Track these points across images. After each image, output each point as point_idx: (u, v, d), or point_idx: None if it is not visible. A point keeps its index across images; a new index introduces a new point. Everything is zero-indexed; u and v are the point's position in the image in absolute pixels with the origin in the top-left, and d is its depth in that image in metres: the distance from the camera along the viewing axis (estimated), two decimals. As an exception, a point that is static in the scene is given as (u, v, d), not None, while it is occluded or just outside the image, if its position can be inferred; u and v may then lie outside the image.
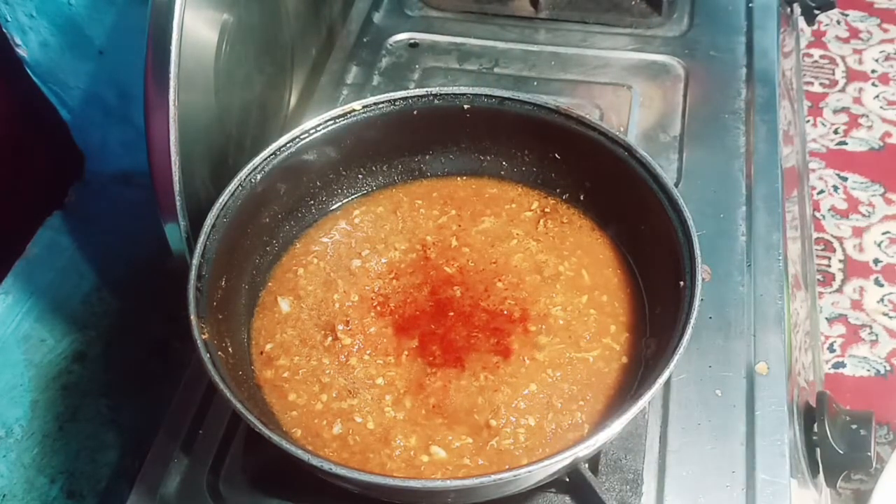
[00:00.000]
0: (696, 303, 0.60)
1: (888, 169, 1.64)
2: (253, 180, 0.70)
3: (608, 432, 0.56)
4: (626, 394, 0.65)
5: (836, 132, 1.70)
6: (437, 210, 0.78)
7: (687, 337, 0.58)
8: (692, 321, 0.59)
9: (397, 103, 0.75)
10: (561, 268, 0.73)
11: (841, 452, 0.70)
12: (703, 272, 0.62)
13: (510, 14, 1.06)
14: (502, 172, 0.79)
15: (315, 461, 0.55)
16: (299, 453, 0.55)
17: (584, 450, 0.56)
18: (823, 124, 1.71)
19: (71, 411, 0.97)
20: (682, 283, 0.62)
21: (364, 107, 0.75)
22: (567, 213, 0.77)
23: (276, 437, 0.55)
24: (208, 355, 0.59)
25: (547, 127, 0.74)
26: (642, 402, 0.56)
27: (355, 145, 0.76)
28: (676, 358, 0.57)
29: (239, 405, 0.57)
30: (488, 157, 0.79)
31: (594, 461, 0.66)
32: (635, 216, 0.70)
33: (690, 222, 0.64)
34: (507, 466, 0.61)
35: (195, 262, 0.64)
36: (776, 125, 0.92)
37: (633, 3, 1.06)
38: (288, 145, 0.73)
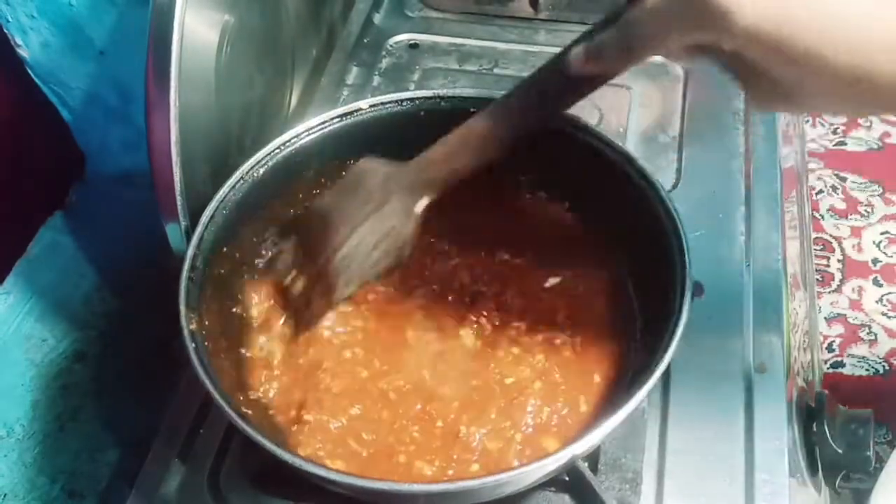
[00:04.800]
0: (684, 317, 0.60)
1: (887, 169, 1.64)
2: (255, 174, 0.71)
3: (601, 430, 0.56)
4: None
5: (835, 132, 1.70)
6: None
7: (670, 353, 0.58)
8: (677, 336, 0.59)
9: (404, 104, 0.75)
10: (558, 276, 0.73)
11: (840, 452, 0.70)
12: (696, 289, 0.62)
13: (510, 15, 1.07)
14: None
15: (287, 456, 0.55)
16: (275, 450, 0.55)
17: (578, 448, 0.56)
18: (822, 124, 1.71)
19: (71, 411, 0.97)
20: (671, 296, 0.62)
21: (371, 106, 0.75)
22: (568, 219, 0.77)
23: (250, 430, 0.55)
24: (193, 345, 0.59)
25: (551, 132, 0.74)
26: (634, 402, 0.56)
27: (360, 144, 0.76)
28: (659, 371, 0.57)
29: (218, 396, 0.57)
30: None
31: (594, 460, 0.66)
32: (633, 226, 0.70)
33: (684, 236, 0.64)
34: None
35: (190, 252, 0.64)
36: (775, 125, 0.92)
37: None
38: (292, 140, 0.73)
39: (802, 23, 0.44)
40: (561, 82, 0.59)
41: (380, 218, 0.66)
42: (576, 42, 0.57)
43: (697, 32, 0.47)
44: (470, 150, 0.63)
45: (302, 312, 0.69)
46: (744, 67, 0.49)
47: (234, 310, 0.70)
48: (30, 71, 1.03)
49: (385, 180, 0.67)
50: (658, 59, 0.99)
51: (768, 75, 0.48)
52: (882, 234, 1.54)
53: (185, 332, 0.60)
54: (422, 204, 0.66)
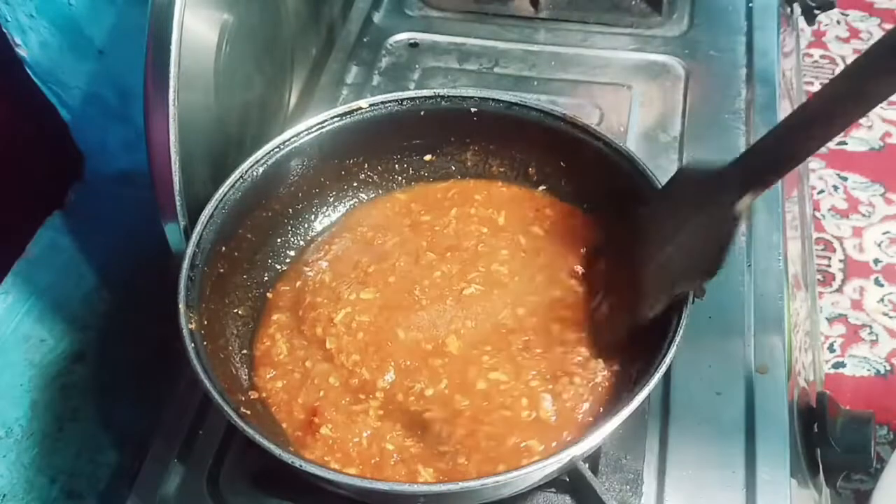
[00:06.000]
0: (685, 318, 0.59)
1: (888, 169, 1.64)
2: (255, 173, 0.71)
3: (602, 432, 0.56)
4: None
5: (836, 132, 1.70)
6: (438, 213, 0.78)
7: (671, 354, 0.58)
8: (678, 337, 0.59)
9: (405, 103, 0.75)
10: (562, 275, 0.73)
11: (841, 452, 0.70)
12: (697, 289, 0.61)
13: (510, 14, 1.06)
14: (509, 177, 0.79)
15: (286, 457, 0.55)
16: (274, 450, 0.55)
17: (578, 449, 0.56)
18: (823, 124, 1.71)
19: (71, 411, 0.96)
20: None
21: (371, 105, 0.75)
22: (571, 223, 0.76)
23: (249, 431, 0.55)
24: (193, 345, 0.59)
25: (554, 134, 0.74)
26: (635, 403, 0.56)
27: (360, 143, 0.76)
28: (660, 374, 0.57)
29: (217, 396, 0.57)
30: (495, 161, 0.79)
31: (594, 461, 0.66)
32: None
33: None
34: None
35: (189, 251, 0.64)
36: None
37: (633, 3, 1.05)
38: (292, 139, 0.73)
39: None
40: None
41: (696, 225, 0.60)
42: None
43: None
44: (814, 125, 0.55)
45: (602, 334, 0.66)
46: None
47: (237, 310, 0.70)
48: (29, 71, 1.02)
49: (704, 182, 0.61)
50: (658, 57, 0.99)
51: None
52: (883, 234, 1.54)
53: (185, 332, 0.60)
54: (745, 202, 0.59)
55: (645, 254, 0.63)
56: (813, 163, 1.63)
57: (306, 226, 0.77)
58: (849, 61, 1.81)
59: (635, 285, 0.62)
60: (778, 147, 0.58)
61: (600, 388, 0.65)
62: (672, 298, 0.61)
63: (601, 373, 0.65)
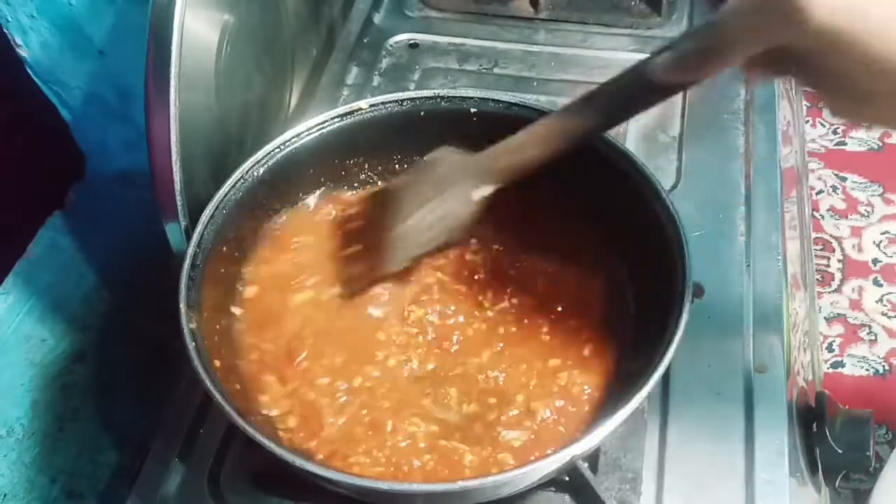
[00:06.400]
0: (684, 318, 0.60)
1: (887, 169, 1.64)
2: (255, 174, 0.71)
3: (601, 431, 0.56)
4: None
5: (835, 132, 1.70)
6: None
7: (670, 354, 0.58)
8: (677, 337, 0.59)
9: (405, 104, 0.75)
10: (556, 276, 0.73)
11: (840, 452, 0.70)
12: (696, 290, 0.62)
13: (510, 14, 1.07)
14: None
15: (287, 456, 0.55)
16: (275, 449, 0.55)
17: (578, 449, 0.56)
18: (822, 124, 1.72)
19: (71, 411, 0.97)
20: (671, 296, 0.62)
21: (371, 106, 0.75)
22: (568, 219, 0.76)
23: (250, 430, 0.55)
24: (193, 345, 0.59)
25: None
26: (635, 402, 0.56)
27: (360, 143, 0.76)
28: (659, 373, 0.57)
29: (218, 396, 0.57)
30: None
31: (594, 460, 0.66)
32: (633, 227, 0.69)
33: (684, 237, 0.64)
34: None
35: (190, 251, 0.64)
36: (775, 125, 0.92)
37: (633, 3, 1.06)
38: (292, 140, 0.73)
39: (880, 18, 0.43)
40: (641, 88, 0.59)
41: (441, 201, 0.67)
42: (662, 49, 0.57)
43: (774, 30, 0.47)
44: (539, 143, 0.65)
45: (353, 281, 0.71)
46: (819, 73, 0.49)
47: (233, 310, 0.70)
48: (30, 71, 1.03)
49: (453, 167, 0.69)
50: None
51: (846, 78, 0.47)
52: (882, 234, 1.55)
53: (185, 332, 0.60)
54: (482, 192, 0.67)
55: (400, 214, 0.69)
56: (812, 163, 1.63)
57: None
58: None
59: (382, 244, 0.69)
60: (511, 151, 0.66)
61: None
62: (421, 253, 0.69)
63: None
